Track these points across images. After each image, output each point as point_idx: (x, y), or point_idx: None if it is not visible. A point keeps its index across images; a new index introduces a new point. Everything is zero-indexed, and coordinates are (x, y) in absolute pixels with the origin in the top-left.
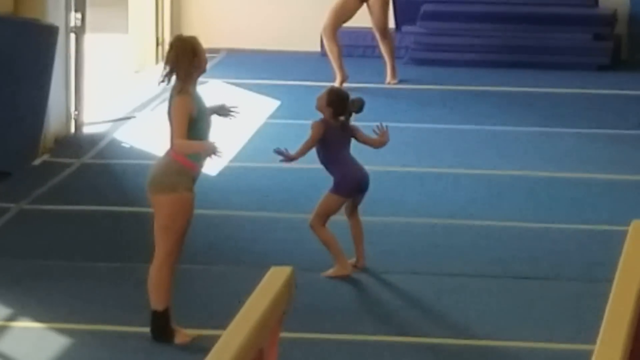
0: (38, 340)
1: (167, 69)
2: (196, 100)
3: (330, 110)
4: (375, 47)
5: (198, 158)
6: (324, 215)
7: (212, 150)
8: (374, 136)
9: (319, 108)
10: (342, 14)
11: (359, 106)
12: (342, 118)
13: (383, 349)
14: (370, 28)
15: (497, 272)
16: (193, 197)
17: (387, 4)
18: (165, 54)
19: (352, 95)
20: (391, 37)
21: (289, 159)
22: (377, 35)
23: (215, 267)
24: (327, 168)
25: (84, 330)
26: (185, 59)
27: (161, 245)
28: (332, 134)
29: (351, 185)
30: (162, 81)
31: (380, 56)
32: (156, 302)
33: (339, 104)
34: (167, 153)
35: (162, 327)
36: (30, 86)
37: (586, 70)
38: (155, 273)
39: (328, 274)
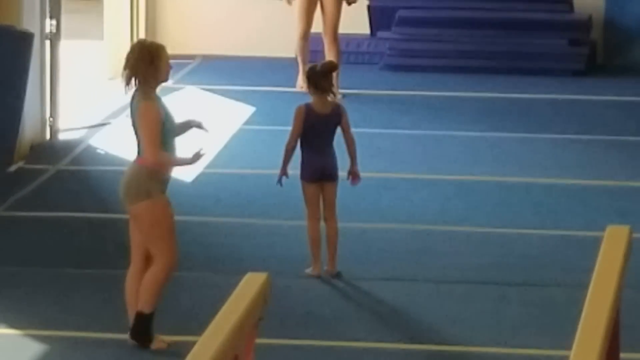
0: (15, 348)
1: (126, 73)
2: (161, 104)
3: (308, 86)
4: (350, 53)
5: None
6: (307, 205)
7: (195, 161)
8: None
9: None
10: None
11: (322, 66)
12: (327, 94)
13: (360, 355)
14: (346, 34)
15: (473, 278)
16: (168, 200)
17: (341, 4)
18: (126, 60)
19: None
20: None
21: (283, 172)
22: (326, 39)
23: (191, 274)
24: (302, 153)
25: (61, 336)
26: (142, 64)
27: (157, 250)
28: (313, 120)
29: (309, 170)
30: (126, 85)
31: (353, 62)
32: (145, 304)
33: (310, 77)
34: (135, 161)
35: (144, 329)
36: (5, 93)
37: (562, 76)
38: (152, 276)
39: (306, 272)
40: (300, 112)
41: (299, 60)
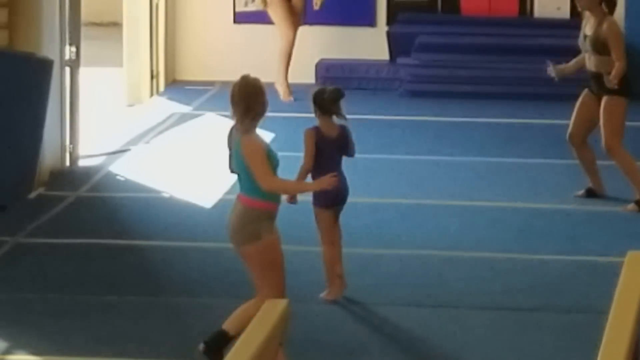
0: None
1: (240, 108)
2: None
3: (315, 109)
4: (369, 79)
5: (276, 198)
6: (320, 231)
7: (321, 186)
8: None
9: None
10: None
11: (331, 93)
12: (334, 117)
13: None
14: (365, 60)
15: (490, 304)
16: (277, 236)
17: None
18: (231, 94)
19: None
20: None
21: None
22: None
23: (211, 300)
24: (312, 178)
25: None
26: (249, 99)
27: (264, 285)
28: (323, 144)
29: (324, 196)
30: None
31: (373, 88)
32: (234, 327)
33: (316, 100)
34: (239, 201)
35: (219, 347)
36: (26, 120)
37: None
38: (253, 308)
39: (322, 296)
40: (311, 134)
41: (283, 63)
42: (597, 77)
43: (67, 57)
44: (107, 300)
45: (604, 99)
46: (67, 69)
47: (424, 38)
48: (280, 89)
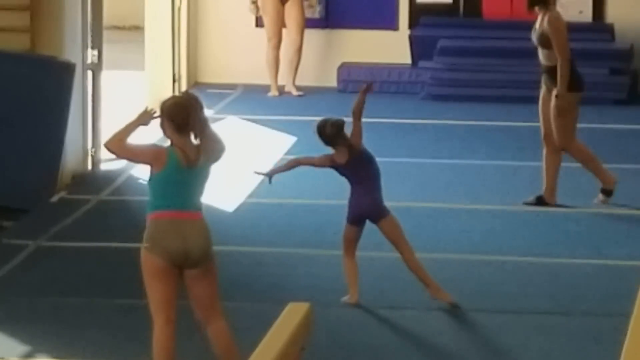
0: None
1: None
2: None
3: (323, 141)
4: (391, 82)
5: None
6: (344, 243)
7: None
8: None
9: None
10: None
11: (331, 128)
12: (339, 147)
13: None
14: (387, 63)
15: (514, 308)
16: None
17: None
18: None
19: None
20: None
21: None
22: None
23: (232, 304)
24: (349, 201)
25: None
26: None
27: (219, 300)
28: (341, 171)
29: (353, 213)
30: None
31: (394, 92)
32: (238, 356)
33: (321, 136)
34: (196, 216)
35: None
36: (48, 123)
37: (603, 105)
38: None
39: (344, 300)
40: (323, 160)
41: (271, 68)
42: (547, 71)
43: (89, 60)
44: (129, 304)
45: (553, 94)
46: (89, 73)
47: (445, 42)
48: (293, 89)
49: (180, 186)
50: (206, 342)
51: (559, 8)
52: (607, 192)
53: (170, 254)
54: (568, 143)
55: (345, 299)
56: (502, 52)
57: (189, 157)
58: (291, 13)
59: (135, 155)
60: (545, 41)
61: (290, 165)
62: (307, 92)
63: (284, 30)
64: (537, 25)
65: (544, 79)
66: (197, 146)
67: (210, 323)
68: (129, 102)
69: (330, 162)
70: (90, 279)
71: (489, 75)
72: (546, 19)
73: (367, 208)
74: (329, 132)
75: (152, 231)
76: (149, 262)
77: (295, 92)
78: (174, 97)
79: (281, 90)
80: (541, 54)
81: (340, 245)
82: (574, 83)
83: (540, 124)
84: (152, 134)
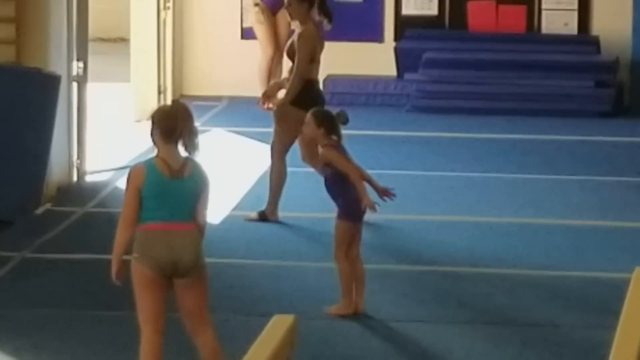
0: None
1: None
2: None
3: (322, 130)
4: (377, 94)
5: None
6: (341, 245)
7: None
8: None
9: (309, 135)
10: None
11: (344, 118)
12: (334, 137)
13: None
14: (373, 75)
15: (502, 319)
16: None
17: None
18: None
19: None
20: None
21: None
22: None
23: (217, 316)
24: (331, 193)
25: None
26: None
27: (207, 311)
28: (345, 156)
29: (355, 211)
30: None
31: (380, 104)
32: None
33: (329, 122)
34: (186, 226)
35: None
36: (33, 135)
37: (588, 117)
38: (216, 339)
39: (331, 311)
40: (332, 149)
41: (263, 79)
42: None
43: (74, 72)
44: (115, 316)
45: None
46: (75, 85)
47: (431, 54)
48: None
49: (166, 197)
50: (194, 353)
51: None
52: (262, 215)
53: (158, 264)
54: (276, 153)
55: (333, 308)
56: (488, 64)
57: (171, 168)
58: (281, 24)
59: (127, 202)
60: (292, 54)
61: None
62: None
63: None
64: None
65: None
66: (185, 157)
67: (199, 334)
68: (114, 114)
69: (336, 149)
70: (75, 291)
71: (475, 87)
72: (298, 33)
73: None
74: (344, 120)
75: (140, 242)
76: (138, 272)
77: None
78: (164, 105)
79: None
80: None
81: (328, 256)
82: (302, 100)
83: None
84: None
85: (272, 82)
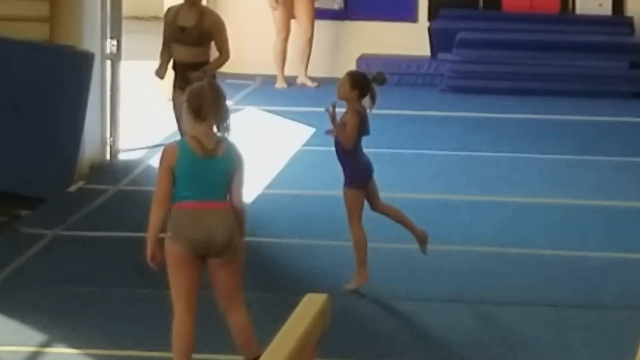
0: None
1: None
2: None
3: (356, 92)
4: (410, 75)
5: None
6: (353, 212)
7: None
8: None
9: (342, 96)
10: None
11: (381, 78)
12: (366, 103)
13: None
14: (406, 55)
15: (535, 300)
16: None
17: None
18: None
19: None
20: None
21: (333, 121)
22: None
23: (250, 295)
24: (342, 161)
25: (118, 355)
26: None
27: (241, 290)
28: (362, 126)
29: (363, 177)
30: None
31: (413, 84)
32: (257, 346)
33: (363, 84)
34: (220, 206)
35: None
36: (66, 113)
37: (622, 98)
38: (249, 318)
39: (350, 287)
40: (355, 116)
41: (278, 60)
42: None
43: (108, 50)
44: (146, 294)
45: None
46: (108, 63)
47: (465, 34)
48: (307, 80)
49: (199, 176)
50: (226, 331)
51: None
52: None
53: (192, 243)
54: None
55: (351, 285)
56: (521, 44)
57: (204, 147)
58: (300, 4)
59: (160, 181)
60: (204, 39)
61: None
62: (326, 83)
63: (294, 22)
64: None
65: (183, 77)
66: (219, 137)
67: (231, 312)
68: (148, 93)
69: (360, 118)
70: (107, 269)
71: (508, 67)
72: (207, 18)
73: (370, 164)
74: (381, 80)
75: (174, 221)
76: (172, 251)
77: (310, 84)
78: (197, 84)
79: (291, 81)
80: (189, 50)
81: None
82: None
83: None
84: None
85: None
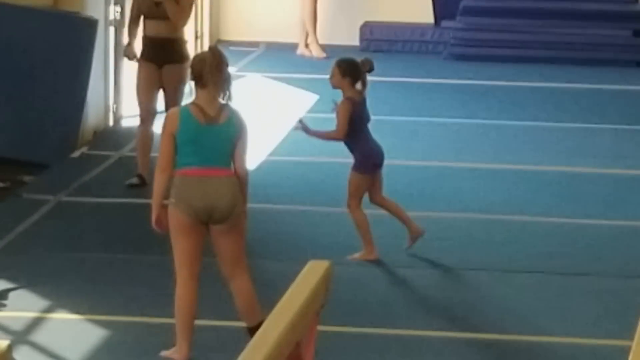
0: (76, 332)
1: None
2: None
3: (348, 80)
4: (414, 42)
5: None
6: (354, 196)
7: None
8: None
9: (335, 84)
10: None
11: (369, 65)
12: (359, 87)
13: (421, 344)
14: (410, 23)
15: (535, 268)
16: None
17: None
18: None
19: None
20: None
21: (307, 131)
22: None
23: (253, 261)
24: (348, 146)
25: (122, 321)
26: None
27: (244, 256)
28: (357, 112)
29: (372, 163)
30: None
31: (417, 51)
32: (260, 312)
33: (353, 70)
34: (224, 174)
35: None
36: (70, 79)
37: (625, 67)
38: (252, 284)
39: (354, 257)
40: (347, 104)
41: (310, 24)
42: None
43: (111, 16)
44: (149, 259)
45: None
46: (112, 29)
47: (468, 1)
48: (315, 48)
49: (201, 143)
50: (230, 298)
51: None
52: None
53: (194, 210)
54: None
55: (357, 255)
56: (525, 12)
57: (206, 114)
58: None
59: (162, 147)
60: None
61: (324, 138)
62: (329, 50)
63: None
64: None
65: (155, 52)
66: (222, 104)
67: (234, 279)
68: None
69: (352, 105)
70: (111, 235)
71: (512, 35)
72: None
73: (381, 152)
74: (369, 68)
75: (177, 188)
76: (175, 218)
77: (322, 55)
78: (201, 51)
79: (294, 50)
80: (157, 24)
81: (363, 203)
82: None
83: (142, 103)
84: None
85: None
